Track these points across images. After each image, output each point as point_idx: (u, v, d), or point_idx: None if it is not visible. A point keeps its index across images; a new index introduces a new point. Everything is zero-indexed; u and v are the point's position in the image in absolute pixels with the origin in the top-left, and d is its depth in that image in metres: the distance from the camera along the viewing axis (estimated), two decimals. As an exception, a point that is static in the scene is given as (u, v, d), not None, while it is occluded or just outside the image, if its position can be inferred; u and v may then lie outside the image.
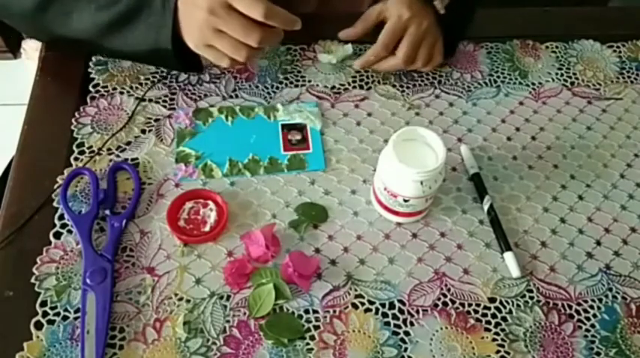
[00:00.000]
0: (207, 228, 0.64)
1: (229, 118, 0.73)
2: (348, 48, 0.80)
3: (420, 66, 0.76)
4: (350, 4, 0.87)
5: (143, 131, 0.71)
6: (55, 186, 0.66)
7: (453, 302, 0.62)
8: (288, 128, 0.73)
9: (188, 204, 0.65)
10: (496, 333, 0.60)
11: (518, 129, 0.76)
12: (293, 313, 0.60)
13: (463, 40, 0.83)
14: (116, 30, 0.68)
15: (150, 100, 0.74)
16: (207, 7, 0.61)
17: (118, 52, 0.73)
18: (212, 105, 0.74)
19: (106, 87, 0.75)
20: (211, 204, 0.65)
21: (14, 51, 1.63)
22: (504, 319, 0.61)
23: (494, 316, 0.61)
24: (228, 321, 0.59)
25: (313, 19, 0.87)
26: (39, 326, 0.57)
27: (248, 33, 0.62)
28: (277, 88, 0.77)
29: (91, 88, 0.74)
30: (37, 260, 0.61)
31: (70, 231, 0.63)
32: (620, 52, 0.86)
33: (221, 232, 0.64)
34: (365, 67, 0.78)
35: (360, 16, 0.77)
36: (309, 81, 0.78)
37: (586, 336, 0.61)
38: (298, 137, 0.72)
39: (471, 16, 0.81)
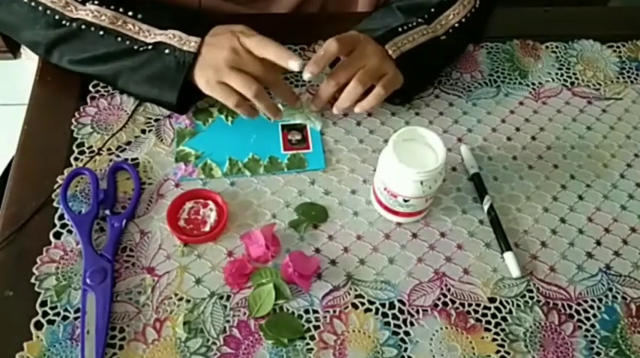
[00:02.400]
0: (207, 228, 0.64)
1: (229, 118, 0.73)
2: None
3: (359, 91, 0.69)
4: (346, 5, 0.87)
5: (143, 131, 0.71)
6: (55, 186, 0.66)
7: (453, 302, 0.62)
8: (288, 128, 0.73)
9: (188, 204, 0.65)
10: (496, 333, 0.60)
11: (518, 129, 0.76)
12: (293, 313, 0.60)
13: (419, 92, 0.77)
14: (132, 76, 0.70)
15: (150, 100, 0.74)
16: (229, 46, 0.65)
17: (122, 90, 0.74)
18: (212, 105, 0.74)
19: (106, 87, 0.75)
20: (211, 204, 0.65)
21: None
22: (504, 319, 0.61)
23: (494, 316, 0.61)
24: (228, 321, 0.59)
25: (313, 19, 0.87)
26: (39, 326, 0.57)
27: (263, 70, 0.66)
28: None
29: (91, 88, 0.74)
30: (37, 260, 0.61)
31: (70, 231, 0.63)
32: (620, 52, 0.86)
33: (221, 232, 0.64)
34: (323, 107, 0.72)
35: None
36: (309, 81, 0.78)
37: (586, 336, 0.61)
38: (298, 137, 0.72)
39: (429, 71, 0.78)
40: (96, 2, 0.68)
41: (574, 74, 0.82)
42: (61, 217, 0.64)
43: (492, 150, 0.74)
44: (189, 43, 0.66)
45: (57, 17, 0.67)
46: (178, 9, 0.72)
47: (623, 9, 1.00)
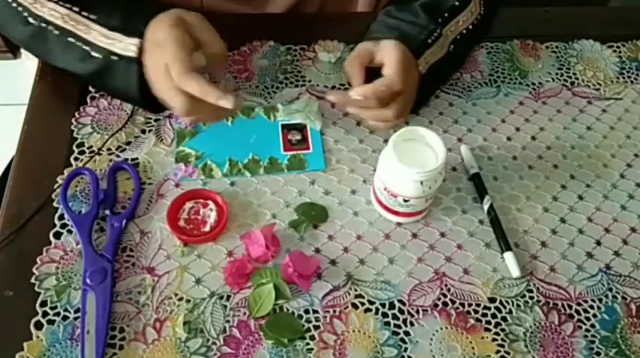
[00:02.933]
0: (207, 228, 0.64)
1: (229, 118, 0.73)
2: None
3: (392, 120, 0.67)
4: (346, 4, 0.87)
5: (143, 131, 0.71)
6: (55, 186, 0.66)
7: (453, 302, 0.62)
8: (288, 128, 0.73)
9: (188, 204, 0.65)
10: (496, 333, 0.60)
11: (518, 129, 0.76)
12: (293, 313, 0.60)
13: (426, 104, 0.76)
14: (97, 81, 0.69)
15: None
16: (161, 66, 0.60)
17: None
18: (212, 105, 0.74)
19: (106, 87, 0.75)
20: (211, 204, 0.65)
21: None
22: (504, 319, 0.61)
23: (494, 316, 0.61)
24: (228, 321, 0.59)
25: (313, 19, 0.87)
26: (39, 326, 0.57)
27: (190, 103, 0.61)
28: (277, 87, 0.77)
29: (91, 88, 0.74)
30: (37, 260, 0.61)
31: (70, 231, 0.63)
32: (620, 52, 0.86)
33: (221, 232, 0.64)
34: (343, 104, 0.68)
35: (350, 60, 0.68)
36: (309, 81, 0.78)
37: (586, 336, 0.61)
38: (298, 137, 0.72)
39: (439, 84, 0.77)
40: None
41: (574, 74, 0.82)
42: (61, 217, 0.64)
43: (492, 150, 0.74)
44: (129, 46, 0.63)
45: (25, 14, 0.66)
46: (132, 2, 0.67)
47: (623, 9, 1.00)
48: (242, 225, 0.65)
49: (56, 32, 0.65)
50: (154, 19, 0.63)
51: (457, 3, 0.73)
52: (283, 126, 0.73)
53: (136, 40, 0.63)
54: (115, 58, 0.64)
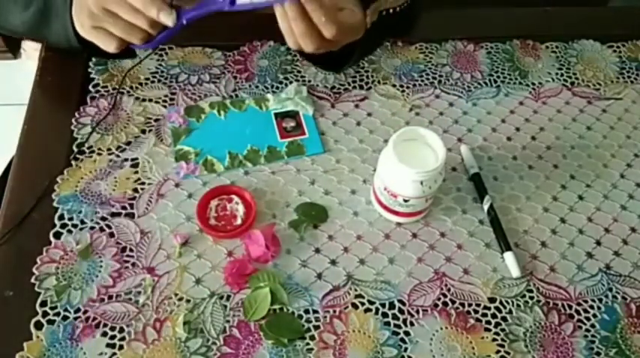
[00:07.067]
0: (239, 222, 0.64)
1: (222, 112, 0.73)
2: None
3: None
4: None
5: (143, 131, 0.71)
6: (55, 186, 0.66)
7: (453, 302, 0.62)
8: (281, 116, 0.74)
9: (213, 202, 0.66)
10: (496, 333, 0.60)
11: (518, 129, 0.76)
12: (293, 313, 0.60)
13: (352, 62, 0.73)
14: (41, 27, 0.66)
15: (150, 100, 0.74)
16: None
17: (55, 44, 0.71)
18: (201, 101, 0.74)
19: (106, 87, 0.75)
20: (236, 198, 0.66)
21: (14, 51, 1.63)
22: (504, 319, 0.61)
23: (494, 316, 0.61)
24: (228, 321, 0.59)
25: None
26: (39, 326, 0.57)
27: (138, 14, 0.59)
28: (277, 87, 0.77)
29: (90, 88, 0.74)
30: (37, 260, 0.61)
31: (70, 231, 0.63)
32: (620, 52, 0.86)
33: (254, 222, 0.64)
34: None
35: None
36: (309, 81, 0.78)
37: (586, 336, 0.61)
38: (292, 124, 0.73)
39: (367, 51, 0.74)
40: None
41: (574, 74, 0.82)
42: (61, 217, 0.64)
43: (492, 150, 0.74)
44: None
45: None
46: None
47: (623, 9, 0.99)
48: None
49: None
50: None
51: None
52: (276, 114, 0.74)
53: None
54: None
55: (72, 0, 0.62)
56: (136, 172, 0.68)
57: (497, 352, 0.59)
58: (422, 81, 0.79)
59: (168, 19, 0.58)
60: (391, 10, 0.71)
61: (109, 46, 0.63)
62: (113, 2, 0.58)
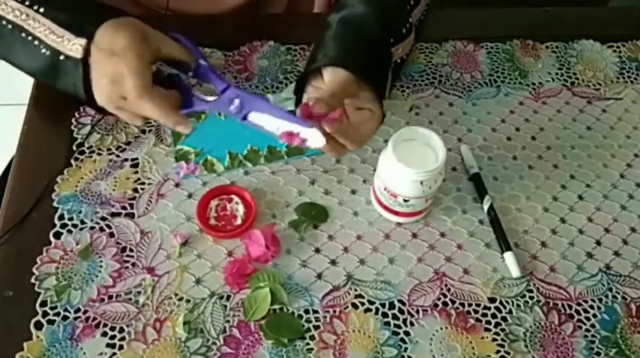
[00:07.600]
0: (239, 222, 0.64)
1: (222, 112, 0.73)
2: None
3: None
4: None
5: (143, 131, 0.71)
6: (55, 186, 0.66)
7: (453, 302, 0.62)
8: None
9: (213, 203, 0.66)
10: (496, 333, 0.60)
11: (518, 129, 0.76)
12: (293, 313, 0.60)
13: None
14: (47, 79, 0.65)
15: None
16: (110, 77, 0.58)
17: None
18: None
19: (106, 87, 0.75)
20: (235, 198, 0.66)
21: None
22: (504, 319, 0.61)
23: (494, 316, 0.61)
24: (228, 321, 0.59)
25: (313, 18, 0.87)
26: (39, 326, 0.57)
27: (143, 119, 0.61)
28: (277, 87, 0.77)
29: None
30: (37, 260, 0.61)
31: (70, 231, 0.63)
32: (620, 52, 0.86)
33: (254, 222, 0.64)
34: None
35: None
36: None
37: (586, 336, 0.61)
38: None
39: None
40: None
41: (574, 74, 0.82)
42: (61, 217, 0.64)
43: (492, 150, 0.74)
44: (76, 47, 0.59)
45: None
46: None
47: (623, 9, 0.99)
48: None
49: (9, 27, 0.62)
50: (109, 23, 0.59)
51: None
52: None
53: (83, 41, 0.59)
54: (61, 57, 0.61)
55: (86, 61, 0.60)
56: (136, 172, 0.68)
57: (497, 352, 0.59)
58: (422, 81, 0.79)
59: (184, 130, 0.61)
60: (399, 60, 0.69)
61: (135, 122, 0.63)
62: (128, 118, 0.61)
